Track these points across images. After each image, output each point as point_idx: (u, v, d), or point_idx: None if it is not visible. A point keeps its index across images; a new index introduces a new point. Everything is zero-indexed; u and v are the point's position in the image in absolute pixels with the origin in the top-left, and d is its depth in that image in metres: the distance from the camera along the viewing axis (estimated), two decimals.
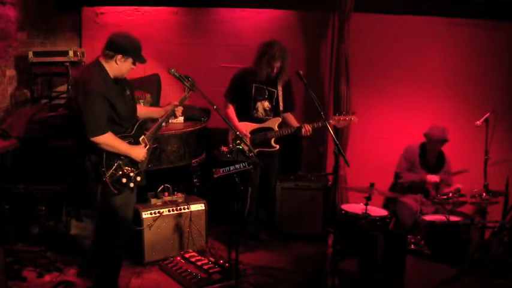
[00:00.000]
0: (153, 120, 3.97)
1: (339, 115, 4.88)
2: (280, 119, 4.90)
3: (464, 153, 5.43)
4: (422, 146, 5.19)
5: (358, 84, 5.60)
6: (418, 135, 5.24)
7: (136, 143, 3.60)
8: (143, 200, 4.54)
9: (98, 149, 3.39)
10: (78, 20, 5.93)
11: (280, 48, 4.69)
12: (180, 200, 4.69)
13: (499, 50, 5.62)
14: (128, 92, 3.62)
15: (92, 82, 3.36)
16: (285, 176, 5.30)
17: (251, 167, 3.88)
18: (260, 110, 4.90)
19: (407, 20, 5.66)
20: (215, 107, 3.74)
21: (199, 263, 4.24)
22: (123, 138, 3.51)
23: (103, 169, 3.40)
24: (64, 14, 5.75)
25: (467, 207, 4.93)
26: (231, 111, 4.89)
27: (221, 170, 3.87)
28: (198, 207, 4.68)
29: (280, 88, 4.89)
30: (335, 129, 5.21)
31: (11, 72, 4.91)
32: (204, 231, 4.72)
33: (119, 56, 3.43)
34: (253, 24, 5.83)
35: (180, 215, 4.59)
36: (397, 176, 5.26)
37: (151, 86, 5.36)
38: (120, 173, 3.47)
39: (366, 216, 4.42)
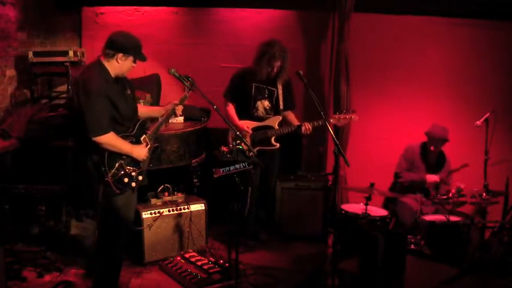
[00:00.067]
0: (153, 119, 3.97)
1: (339, 113, 4.89)
2: (280, 118, 4.90)
3: (464, 153, 5.42)
4: (423, 146, 5.19)
5: (358, 84, 5.60)
6: (418, 135, 5.24)
7: (137, 142, 3.60)
8: (143, 200, 4.54)
9: (99, 148, 3.39)
10: (78, 20, 5.93)
11: (280, 47, 4.69)
12: (180, 200, 4.69)
13: (499, 50, 5.62)
14: (129, 92, 3.62)
15: (93, 82, 3.36)
16: (285, 176, 5.30)
17: (251, 167, 3.88)
18: (260, 109, 4.91)
19: (407, 20, 5.66)
20: (215, 107, 3.74)
21: (199, 263, 4.24)
22: (124, 137, 3.51)
23: (105, 169, 3.40)
24: (64, 14, 5.75)
25: (467, 207, 4.92)
26: (231, 109, 4.89)
27: (221, 170, 3.87)
28: (198, 207, 4.68)
29: (280, 87, 4.90)
30: (335, 129, 5.22)
31: (11, 72, 4.91)
32: (204, 231, 4.72)
33: (120, 55, 3.43)
34: (253, 24, 5.83)
35: (180, 215, 4.59)
36: (396, 175, 5.26)
37: (151, 86, 5.37)
38: (122, 172, 3.47)
39: (366, 216, 4.42)
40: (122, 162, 3.47)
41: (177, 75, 3.75)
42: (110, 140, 3.40)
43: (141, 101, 4.88)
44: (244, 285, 4.12)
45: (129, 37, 3.49)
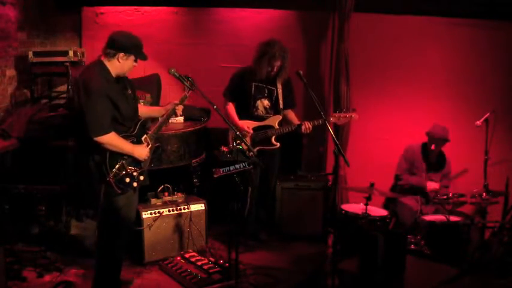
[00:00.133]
0: (153, 119, 3.97)
1: (339, 112, 4.88)
2: (280, 117, 4.90)
3: (464, 153, 5.44)
4: (423, 146, 5.19)
5: (358, 84, 5.60)
6: (418, 136, 5.24)
7: (138, 142, 3.60)
8: (143, 200, 4.54)
9: (101, 148, 3.39)
10: (78, 20, 5.93)
11: (280, 47, 4.69)
12: (180, 200, 4.69)
13: (499, 50, 5.62)
14: (130, 92, 3.62)
15: (94, 81, 3.36)
16: (285, 176, 5.30)
17: (251, 167, 3.87)
18: (260, 108, 4.91)
19: (407, 20, 5.66)
20: (215, 107, 3.74)
21: (199, 263, 4.24)
22: (125, 137, 3.51)
23: (106, 169, 3.40)
24: (64, 14, 5.75)
25: (467, 207, 4.93)
26: (231, 108, 4.89)
27: (221, 170, 3.87)
28: (198, 207, 4.68)
29: (279, 86, 4.89)
30: (335, 129, 5.23)
31: (11, 72, 4.91)
32: (204, 231, 4.72)
33: (121, 54, 3.43)
34: (253, 24, 5.83)
35: (180, 215, 4.59)
36: (397, 178, 5.26)
37: (151, 86, 5.37)
38: (124, 172, 3.47)
39: (366, 216, 4.42)
40: (124, 162, 3.47)
41: (177, 75, 3.75)
42: (111, 140, 3.40)
43: (141, 101, 4.88)
44: (244, 285, 4.12)
45: (130, 36, 3.49)
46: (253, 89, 4.86)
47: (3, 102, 4.79)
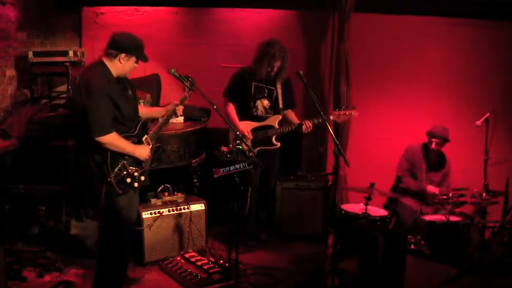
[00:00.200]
0: (153, 120, 3.97)
1: (338, 110, 4.88)
2: (280, 117, 4.90)
3: (464, 153, 5.44)
4: (424, 146, 5.19)
5: (358, 84, 5.60)
6: (418, 136, 5.24)
7: (139, 142, 3.60)
8: (143, 200, 4.53)
9: (102, 148, 3.38)
10: (78, 20, 5.94)
11: (280, 48, 4.69)
12: (180, 200, 4.69)
13: (499, 50, 5.62)
14: (130, 92, 3.62)
15: (96, 81, 3.36)
16: (285, 176, 5.30)
17: (251, 167, 3.87)
18: (260, 108, 4.91)
19: (407, 20, 5.66)
20: (215, 107, 3.74)
21: (199, 263, 4.24)
22: (126, 137, 3.50)
23: (107, 169, 3.39)
24: (64, 14, 5.75)
25: (467, 207, 4.93)
26: (232, 109, 4.89)
27: (221, 170, 3.86)
28: (198, 207, 4.68)
29: (279, 86, 4.89)
30: (335, 129, 5.23)
31: (11, 72, 4.90)
32: (204, 231, 4.72)
33: (123, 55, 3.43)
34: (253, 24, 5.83)
35: (180, 215, 4.59)
36: (398, 179, 5.26)
37: (151, 86, 5.37)
38: (125, 173, 3.46)
39: (366, 216, 4.42)
40: (125, 162, 3.47)
41: (177, 75, 3.75)
42: (113, 140, 3.39)
43: (141, 101, 4.88)
44: (244, 285, 4.12)
45: (131, 37, 3.49)
46: (253, 89, 4.86)
47: (3, 102, 4.79)
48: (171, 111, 3.80)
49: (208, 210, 4.73)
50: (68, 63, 4.99)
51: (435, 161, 5.19)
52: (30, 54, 4.94)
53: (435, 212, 4.88)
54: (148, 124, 3.82)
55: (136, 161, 3.54)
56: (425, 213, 4.80)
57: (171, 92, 5.58)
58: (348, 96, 5.50)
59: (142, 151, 3.57)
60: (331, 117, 4.77)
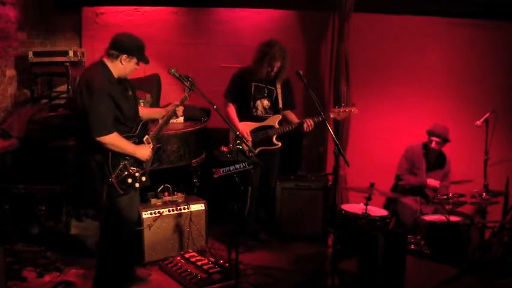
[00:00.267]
0: (154, 120, 3.97)
1: (338, 107, 4.88)
2: (280, 116, 4.89)
3: (464, 153, 5.44)
4: (424, 146, 5.19)
5: (358, 84, 5.60)
6: (418, 135, 5.25)
7: (140, 142, 3.60)
8: (143, 200, 4.53)
9: (103, 149, 3.39)
10: (78, 20, 5.94)
11: (280, 48, 4.70)
12: (180, 200, 4.69)
13: (499, 50, 5.62)
14: (130, 93, 3.63)
15: (97, 81, 3.36)
16: (285, 176, 5.30)
17: (251, 167, 3.88)
18: (260, 108, 4.91)
19: (407, 20, 5.66)
20: (215, 107, 3.74)
21: (199, 263, 4.24)
22: (127, 138, 3.51)
23: (109, 169, 3.39)
24: (64, 14, 5.75)
25: (467, 207, 4.93)
26: (232, 110, 4.89)
27: (221, 170, 3.87)
28: (198, 207, 4.68)
29: (279, 86, 4.89)
30: (335, 128, 5.23)
31: (11, 72, 4.90)
32: (204, 231, 4.72)
33: (124, 56, 3.44)
34: (253, 24, 5.83)
35: (180, 215, 4.59)
36: (398, 178, 5.26)
37: (151, 86, 5.37)
38: (126, 173, 3.47)
39: (366, 216, 4.42)
40: (126, 162, 3.47)
41: (177, 75, 3.75)
42: (114, 140, 3.40)
43: (141, 101, 4.88)
44: (244, 285, 4.12)
45: (133, 38, 3.50)
46: (253, 89, 4.86)
47: (3, 102, 4.79)
48: (171, 112, 3.80)
49: (208, 210, 4.73)
50: (68, 63, 4.99)
51: (435, 160, 5.19)
52: (30, 54, 4.94)
53: (435, 212, 4.88)
54: (149, 124, 3.83)
55: (137, 162, 3.54)
56: (425, 213, 4.80)
57: (171, 92, 5.58)
58: (348, 96, 5.50)
59: (144, 151, 3.57)
60: (331, 115, 4.76)
